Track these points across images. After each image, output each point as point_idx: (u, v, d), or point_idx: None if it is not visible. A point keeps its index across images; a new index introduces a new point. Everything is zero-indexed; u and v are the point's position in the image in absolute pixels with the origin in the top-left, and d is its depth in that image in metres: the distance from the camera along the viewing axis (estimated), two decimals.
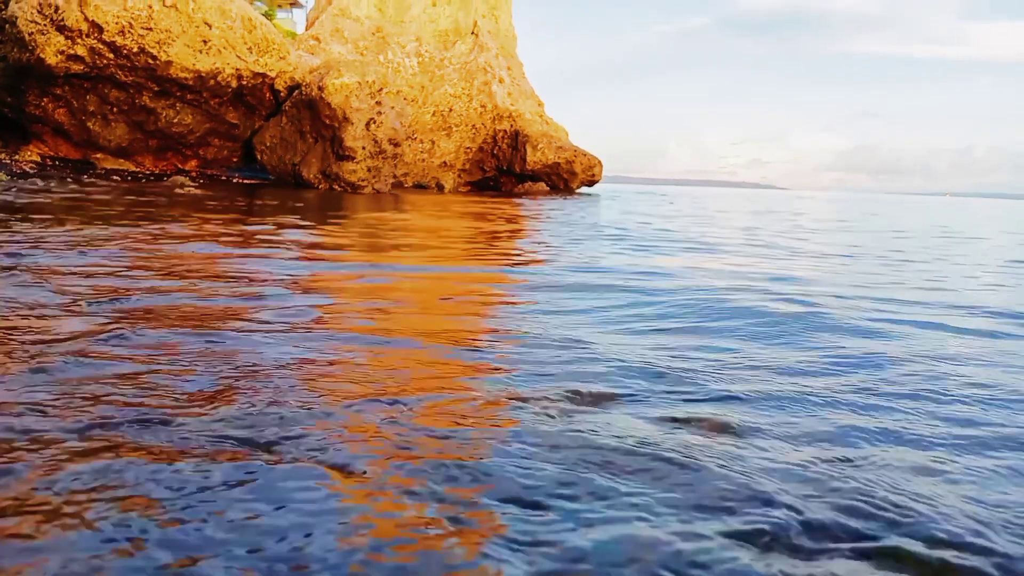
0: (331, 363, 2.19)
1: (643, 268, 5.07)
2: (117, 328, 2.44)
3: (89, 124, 14.96)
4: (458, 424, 1.69)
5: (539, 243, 7.17)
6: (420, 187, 22.83)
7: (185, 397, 1.78)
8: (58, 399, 1.71)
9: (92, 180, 12.33)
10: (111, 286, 3.26)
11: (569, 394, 1.95)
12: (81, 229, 5.38)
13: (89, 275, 3.52)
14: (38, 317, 2.57)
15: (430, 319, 3.15)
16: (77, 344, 2.21)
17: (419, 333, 2.69)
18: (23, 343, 2.19)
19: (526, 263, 5.55)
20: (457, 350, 2.52)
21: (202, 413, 1.66)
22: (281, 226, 6.90)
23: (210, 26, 14.40)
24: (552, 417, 1.76)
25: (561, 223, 9.99)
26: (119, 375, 1.91)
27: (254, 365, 2.09)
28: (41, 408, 1.64)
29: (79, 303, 2.82)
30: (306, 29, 25.12)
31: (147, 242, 4.99)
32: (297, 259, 4.76)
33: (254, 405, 1.74)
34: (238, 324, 2.66)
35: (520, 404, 1.85)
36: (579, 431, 1.67)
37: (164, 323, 2.60)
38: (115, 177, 13.83)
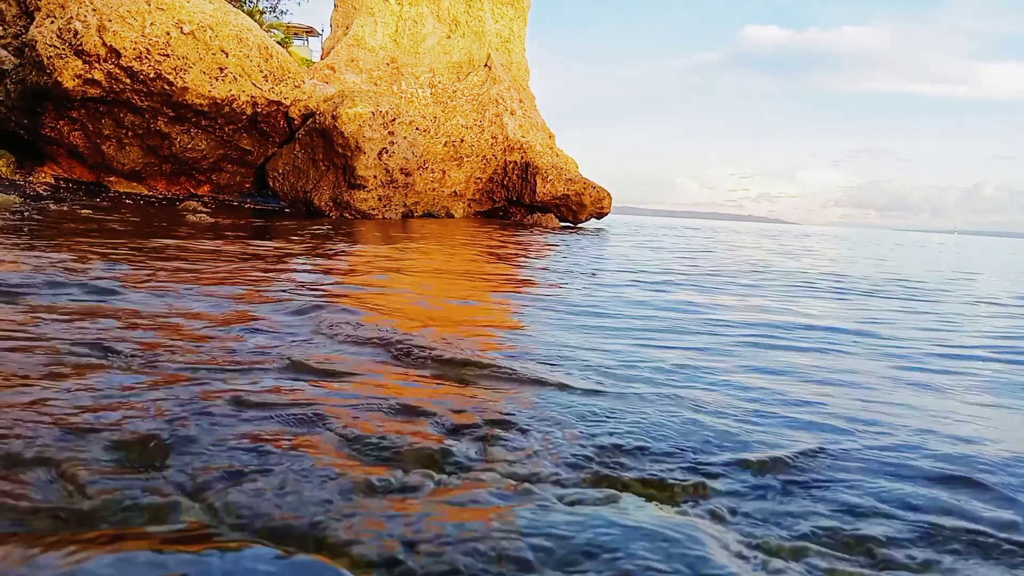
0: None
1: None
2: None
3: (104, 147, 15.06)
4: None
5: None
6: (429, 215, 22.88)
7: None
8: None
9: (108, 204, 12.37)
10: None
11: None
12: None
13: None
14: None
15: None
16: None
17: None
18: None
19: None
20: None
21: None
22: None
23: (227, 54, 14.53)
24: None
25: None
26: None
27: None
28: None
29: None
30: (321, 58, 25.42)
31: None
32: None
33: None
34: None
35: None
36: None
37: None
38: (128, 201, 13.89)
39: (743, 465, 1.93)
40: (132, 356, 2.61)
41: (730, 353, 3.73)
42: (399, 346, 3.10)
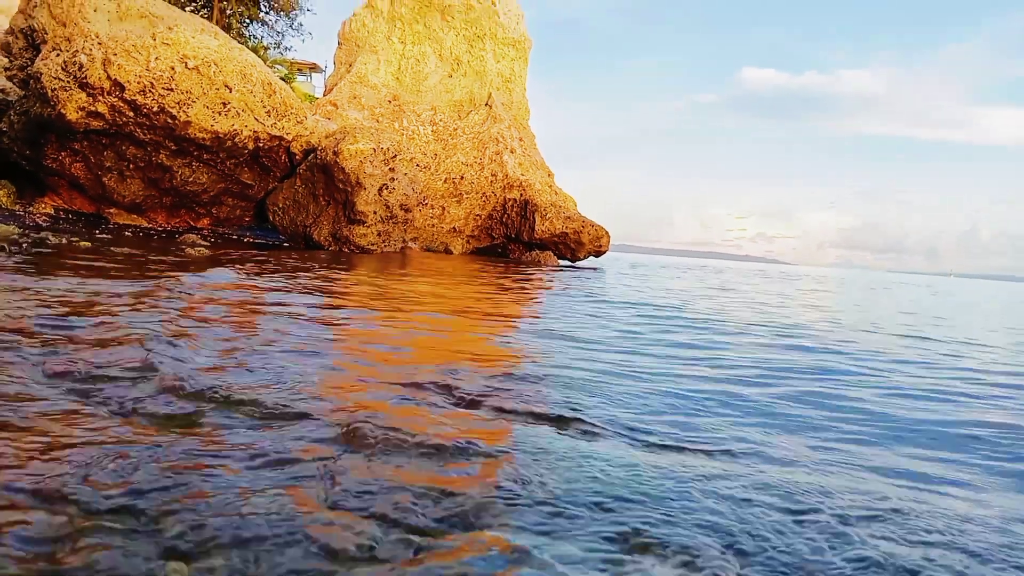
0: None
1: None
2: None
3: (105, 179, 15.09)
4: None
5: None
6: (428, 250, 22.93)
7: None
8: None
9: (109, 236, 12.35)
10: None
11: None
12: None
13: None
14: None
15: None
16: None
17: None
18: None
19: None
20: None
21: None
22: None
23: (230, 89, 14.65)
24: None
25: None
26: None
27: None
28: None
29: None
30: (324, 94, 25.68)
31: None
32: None
33: None
34: None
35: None
36: None
37: None
38: (128, 233, 13.88)
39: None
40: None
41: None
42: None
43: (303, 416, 2.48)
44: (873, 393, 4.17)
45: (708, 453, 2.51)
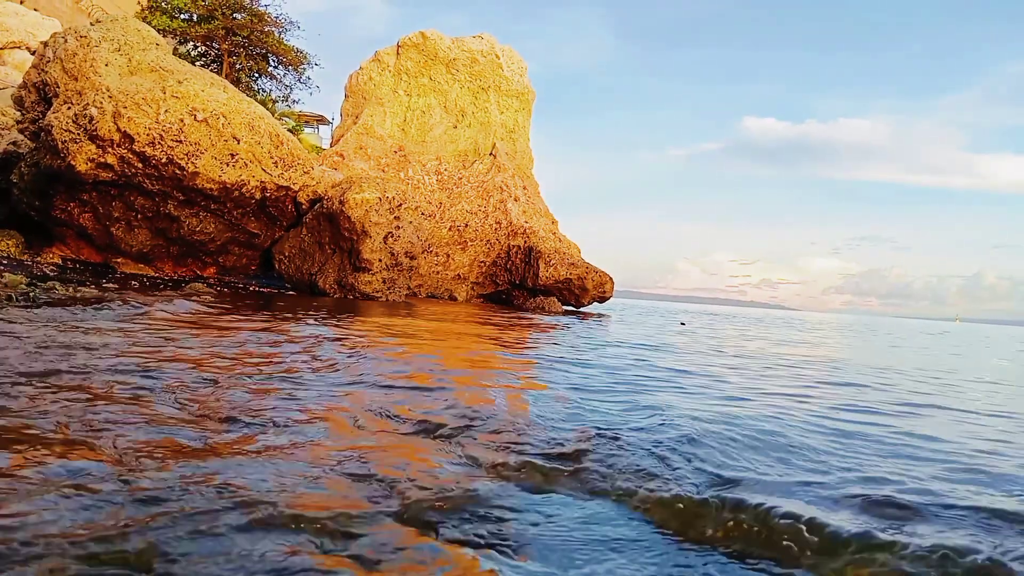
0: None
1: None
2: None
3: (113, 229, 15.23)
4: None
5: None
6: (432, 297, 22.97)
7: None
8: None
9: (114, 285, 12.40)
10: None
11: None
12: None
13: None
14: None
15: None
16: None
17: None
18: None
19: None
20: None
21: None
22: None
23: (238, 140, 14.86)
24: None
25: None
26: None
27: None
28: None
29: None
30: (331, 145, 26.08)
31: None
32: None
33: None
34: None
35: None
36: None
37: None
38: (134, 283, 13.93)
39: None
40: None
41: None
42: None
43: None
44: None
45: None
